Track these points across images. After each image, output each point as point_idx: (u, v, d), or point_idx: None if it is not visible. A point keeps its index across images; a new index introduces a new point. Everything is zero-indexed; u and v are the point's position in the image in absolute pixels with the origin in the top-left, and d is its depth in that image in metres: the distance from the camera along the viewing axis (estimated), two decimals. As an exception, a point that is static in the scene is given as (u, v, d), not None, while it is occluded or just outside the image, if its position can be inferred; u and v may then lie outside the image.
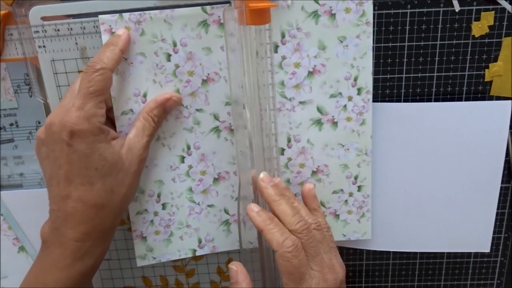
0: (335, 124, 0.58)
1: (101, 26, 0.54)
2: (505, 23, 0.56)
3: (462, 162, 0.60)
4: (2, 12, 0.56)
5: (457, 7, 0.56)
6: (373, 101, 0.58)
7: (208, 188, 0.61)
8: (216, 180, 0.60)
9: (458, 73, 0.58)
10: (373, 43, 0.57)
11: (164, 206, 0.61)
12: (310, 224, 0.54)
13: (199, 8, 0.53)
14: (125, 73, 0.55)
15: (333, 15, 0.54)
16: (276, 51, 0.55)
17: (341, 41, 0.55)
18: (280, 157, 0.59)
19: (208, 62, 0.55)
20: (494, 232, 0.64)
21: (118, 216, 0.55)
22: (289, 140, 0.59)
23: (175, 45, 0.55)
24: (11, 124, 0.62)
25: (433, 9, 0.56)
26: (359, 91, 0.57)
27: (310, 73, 0.56)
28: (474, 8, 0.56)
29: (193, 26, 0.54)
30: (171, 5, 0.54)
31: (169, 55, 0.55)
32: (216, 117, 0.58)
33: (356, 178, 0.60)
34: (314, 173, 0.60)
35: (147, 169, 0.59)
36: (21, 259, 0.67)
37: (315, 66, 0.56)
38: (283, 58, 0.56)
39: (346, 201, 0.61)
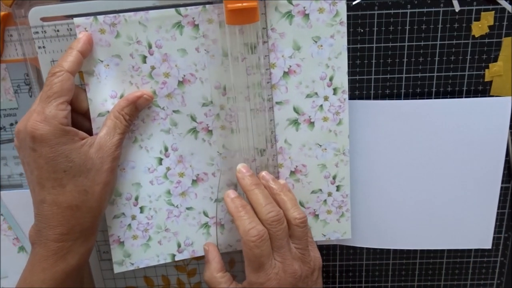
0: (312, 124, 0.58)
1: (77, 28, 0.54)
2: (505, 23, 0.56)
3: (462, 159, 0.60)
4: (2, 13, 0.56)
5: (457, 7, 0.56)
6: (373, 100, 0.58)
7: (187, 190, 0.60)
8: (194, 182, 0.60)
9: (458, 73, 0.58)
10: (374, 43, 0.57)
11: (142, 209, 0.60)
12: (295, 218, 0.55)
13: (173, 9, 0.54)
14: (101, 75, 0.56)
15: (306, 15, 0.54)
16: (252, 52, 0.55)
17: (316, 41, 0.55)
18: (259, 158, 0.59)
19: (184, 64, 0.56)
20: (494, 232, 0.64)
21: (98, 216, 0.55)
22: (266, 141, 0.59)
23: (150, 47, 0.55)
24: (11, 124, 0.62)
25: (433, 9, 0.56)
26: (335, 91, 0.57)
27: (286, 74, 0.57)
28: (474, 8, 0.56)
29: (168, 27, 0.54)
30: (170, 5, 0.54)
31: (144, 57, 0.55)
32: (193, 118, 0.58)
33: (334, 178, 0.60)
34: (292, 173, 0.60)
35: (124, 172, 0.59)
36: (21, 259, 0.67)
37: (290, 66, 0.56)
38: (258, 58, 0.56)
39: (325, 201, 0.61)
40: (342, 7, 0.54)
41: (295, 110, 0.58)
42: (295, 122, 0.58)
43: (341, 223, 0.62)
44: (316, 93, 0.57)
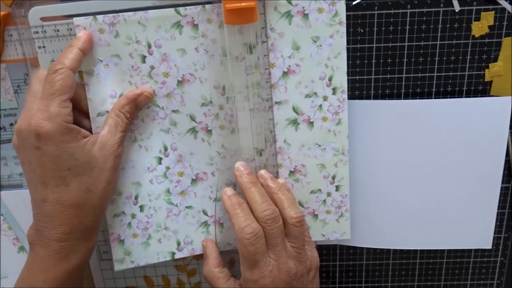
0: (311, 124, 0.58)
1: (76, 28, 0.54)
2: (505, 23, 0.56)
3: (462, 159, 0.60)
4: (2, 13, 0.56)
5: (457, 7, 0.56)
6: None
7: (186, 190, 0.61)
8: (194, 181, 0.60)
9: (458, 73, 0.58)
10: (374, 43, 0.57)
11: (141, 208, 0.60)
12: (292, 217, 0.54)
13: (172, 9, 0.54)
14: (100, 75, 0.56)
15: (306, 15, 0.55)
16: (251, 52, 0.55)
17: (315, 41, 0.55)
18: (258, 158, 0.59)
19: (183, 63, 0.56)
20: (494, 232, 0.64)
21: (100, 214, 0.55)
22: (265, 141, 0.59)
23: (149, 46, 0.55)
24: (11, 124, 0.62)
25: (433, 9, 0.56)
26: (334, 90, 0.57)
27: (285, 73, 0.57)
28: (474, 8, 0.56)
29: (167, 27, 0.54)
30: (169, 5, 0.54)
31: (144, 57, 0.55)
32: (192, 118, 0.58)
33: (333, 178, 0.60)
34: (291, 173, 0.60)
35: (124, 171, 0.59)
36: (21, 259, 0.67)
37: (289, 66, 0.56)
38: (257, 58, 0.56)
39: (324, 201, 0.61)
40: (341, 7, 0.54)
41: (294, 110, 0.58)
42: (294, 122, 0.58)
43: (340, 223, 0.62)
44: (315, 93, 0.57)
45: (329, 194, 0.61)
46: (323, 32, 0.55)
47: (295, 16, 0.54)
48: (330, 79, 0.56)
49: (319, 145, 0.59)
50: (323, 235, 0.62)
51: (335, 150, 0.59)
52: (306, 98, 0.57)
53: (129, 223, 0.60)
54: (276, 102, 0.57)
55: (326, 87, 0.57)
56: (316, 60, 0.56)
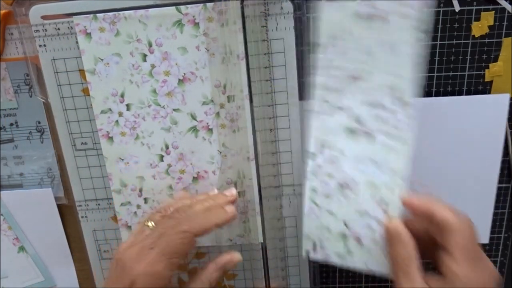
0: None
1: (76, 27, 0.54)
2: (505, 23, 0.56)
3: (460, 155, 0.60)
4: (2, 11, 0.56)
5: (457, 7, 0.56)
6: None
7: (188, 187, 0.61)
8: (195, 179, 0.61)
9: (458, 73, 0.58)
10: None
11: (146, 200, 0.62)
12: None
13: (173, 8, 0.54)
14: (101, 74, 0.56)
15: None
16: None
17: None
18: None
19: (184, 62, 0.56)
20: (493, 232, 0.64)
21: None
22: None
23: (150, 45, 0.55)
24: (11, 124, 0.62)
25: (433, 9, 0.56)
26: None
27: None
28: (474, 8, 0.56)
29: (168, 26, 0.55)
30: (170, 3, 0.54)
31: (145, 55, 0.56)
32: (193, 117, 0.58)
33: None
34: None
35: (128, 165, 0.60)
36: (21, 259, 0.67)
37: None
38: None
39: None
40: None
41: None
42: None
43: None
44: None
45: None
46: None
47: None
48: None
49: None
50: None
51: None
52: None
53: (135, 212, 0.62)
54: None
55: None
56: None
